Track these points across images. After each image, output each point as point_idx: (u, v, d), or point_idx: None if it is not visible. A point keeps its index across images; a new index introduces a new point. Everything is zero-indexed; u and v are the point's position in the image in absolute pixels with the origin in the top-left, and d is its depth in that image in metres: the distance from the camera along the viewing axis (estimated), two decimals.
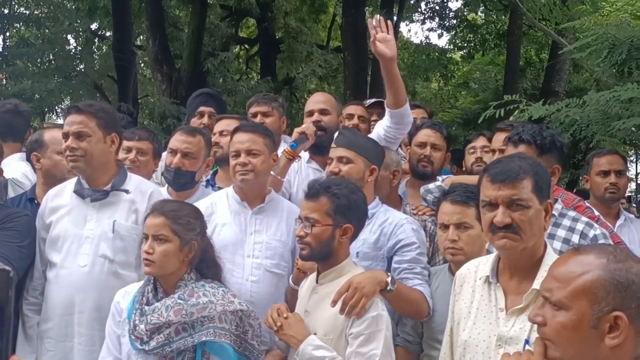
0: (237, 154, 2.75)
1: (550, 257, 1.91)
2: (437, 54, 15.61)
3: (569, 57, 6.90)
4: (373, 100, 4.30)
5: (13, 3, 11.45)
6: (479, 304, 2.02)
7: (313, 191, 2.35)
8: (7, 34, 11.86)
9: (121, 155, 3.16)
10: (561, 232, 2.56)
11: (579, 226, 2.56)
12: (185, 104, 4.47)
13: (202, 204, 2.73)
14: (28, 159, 3.25)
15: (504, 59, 12.70)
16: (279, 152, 3.02)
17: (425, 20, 15.12)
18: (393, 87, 3.06)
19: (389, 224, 2.69)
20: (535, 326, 1.48)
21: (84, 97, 10.84)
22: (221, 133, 3.43)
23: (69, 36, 12.24)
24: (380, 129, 3.22)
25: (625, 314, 1.30)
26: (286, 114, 3.83)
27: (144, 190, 2.77)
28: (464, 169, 3.83)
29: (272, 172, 2.93)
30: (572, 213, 2.65)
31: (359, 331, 2.21)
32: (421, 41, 16.02)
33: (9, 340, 0.87)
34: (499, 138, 3.34)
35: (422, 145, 3.37)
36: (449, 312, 2.17)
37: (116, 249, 2.66)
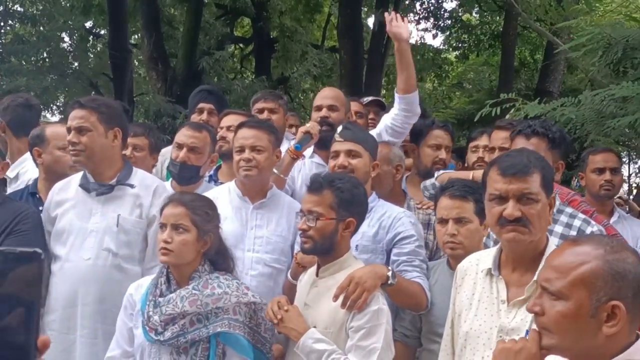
0: (242, 150, 2.77)
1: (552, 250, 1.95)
2: (431, 54, 15.60)
3: (563, 57, 6.95)
4: (371, 98, 4.35)
5: (8, 0, 11.41)
6: (480, 295, 2.04)
7: (316, 185, 2.36)
8: (2, 31, 11.81)
9: None
10: (558, 228, 2.58)
11: (577, 223, 2.58)
12: (180, 103, 4.49)
13: None
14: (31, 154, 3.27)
15: (499, 60, 12.76)
16: (283, 149, 3.05)
17: (420, 21, 15.13)
18: (405, 71, 3.13)
19: (387, 217, 2.71)
20: None
21: (79, 95, 10.80)
22: (228, 128, 3.44)
23: (63, 34, 12.21)
24: (387, 119, 3.25)
25: (623, 303, 1.33)
26: None
27: (148, 185, 2.79)
28: (466, 164, 3.85)
29: (275, 171, 2.95)
30: (569, 209, 2.67)
31: (360, 325, 2.22)
32: (416, 41, 16.04)
33: (38, 320, 0.90)
34: (498, 136, 3.35)
35: (437, 147, 3.36)
36: (450, 304, 2.20)
37: (120, 242, 2.67)
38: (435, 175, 3.14)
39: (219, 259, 2.40)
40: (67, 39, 12.72)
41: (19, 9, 11.84)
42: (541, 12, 6.52)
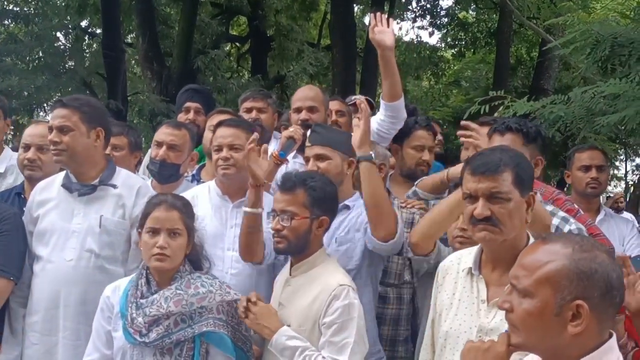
0: (220, 149, 2.77)
1: None
2: (428, 52, 15.61)
3: (555, 54, 6.93)
4: (358, 97, 4.31)
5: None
6: (460, 295, 2.04)
7: (289, 184, 2.36)
8: None
9: None
10: None
11: (555, 221, 2.57)
12: (175, 102, 4.48)
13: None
14: None
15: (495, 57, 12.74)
16: (270, 149, 3.03)
17: (416, 19, 15.14)
18: (390, 79, 3.09)
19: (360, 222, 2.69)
20: None
21: (73, 94, 10.77)
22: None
23: (58, 33, 12.17)
24: (373, 123, 3.21)
25: (587, 303, 1.33)
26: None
27: (131, 185, 2.77)
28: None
29: None
30: (549, 207, 2.65)
31: (332, 320, 2.23)
32: (412, 39, 16.04)
33: None
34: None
35: (420, 148, 3.32)
36: (431, 304, 2.19)
37: (102, 243, 2.65)
38: (415, 184, 3.17)
39: (198, 258, 2.40)
40: (61, 38, 12.69)
41: (13, 8, 11.81)
42: (534, 9, 6.50)
